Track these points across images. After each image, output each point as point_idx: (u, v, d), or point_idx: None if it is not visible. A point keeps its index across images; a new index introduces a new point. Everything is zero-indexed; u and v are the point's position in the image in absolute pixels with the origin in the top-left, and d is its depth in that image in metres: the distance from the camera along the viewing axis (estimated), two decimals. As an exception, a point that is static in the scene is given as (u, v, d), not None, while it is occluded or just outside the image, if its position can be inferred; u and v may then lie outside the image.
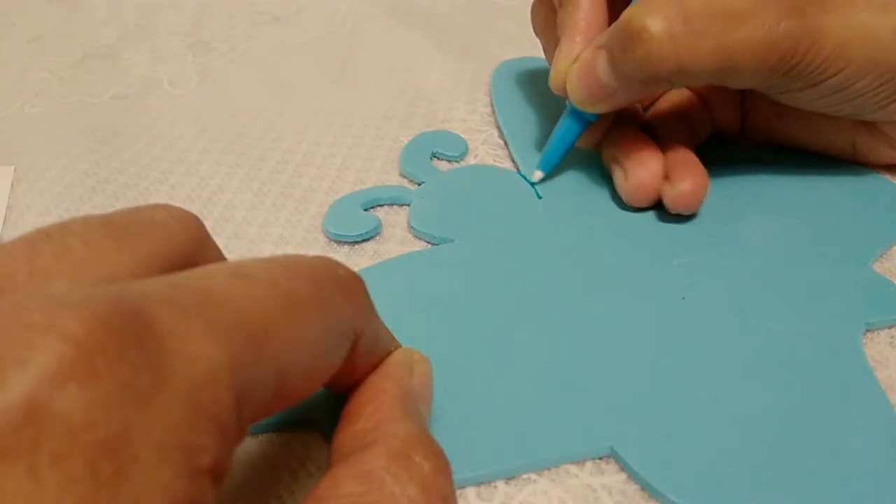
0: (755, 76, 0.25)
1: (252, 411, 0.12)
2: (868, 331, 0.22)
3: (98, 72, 0.44)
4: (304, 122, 0.37)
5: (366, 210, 0.29)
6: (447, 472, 0.15)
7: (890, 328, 0.23)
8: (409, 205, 0.29)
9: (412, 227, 0.28)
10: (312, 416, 0.20)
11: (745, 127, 0.31)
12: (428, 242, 0.27)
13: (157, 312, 0.11)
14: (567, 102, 0.28)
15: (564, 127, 0.29)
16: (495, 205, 0.28)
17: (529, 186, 0.29)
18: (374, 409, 0.16)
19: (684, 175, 0.26)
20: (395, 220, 0.29)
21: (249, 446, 0.20)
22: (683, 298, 0.23)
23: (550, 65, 0.30)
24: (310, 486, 0.19)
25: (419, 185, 0.30)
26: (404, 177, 0.31)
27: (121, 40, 0.48)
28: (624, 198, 0.27)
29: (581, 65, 0.27)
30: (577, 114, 0.28)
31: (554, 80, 0.28)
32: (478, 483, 0.19)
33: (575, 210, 0.28)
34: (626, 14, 0.24)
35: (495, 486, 0.19)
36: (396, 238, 0.28)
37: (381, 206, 0.29)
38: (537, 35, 0.33)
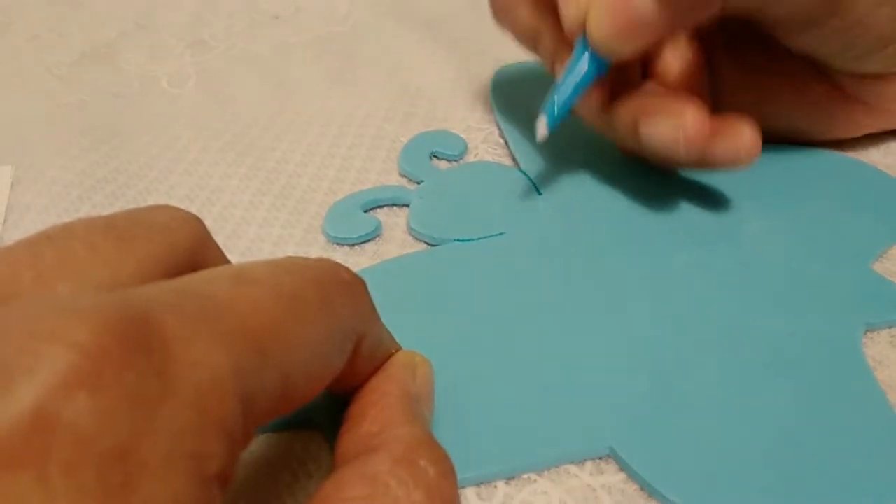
0: None
1: (257, 416, 0.13)
2: (868, 331, 0.22)
3: (97, 71, 0.44)
4: (304, 121, 0.37)
5: (365, 211, 0.29)
6: (452, 477, 0.15)
7: (890, 328, 0.23)
8: (408, 205, 0.29)
9: (412, 228, 0.28)
10: (313, 417, 0.20)
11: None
12: (428, 244, 0.27)
13: (164, 319, 0.11)
14: (578, 45, 0.25)
15: (577, 70, 0.25)
16: (495, 203, 0.28)
17: (530, 183, 0.29)
18: (377, 413, 0.16)
19: (739, 122, 0.24)
20: (395, 222, 0.29)
21: (249, 446, 0.20)
22: (683, 298, 0.24)
23: (531, 50, 0.28)
24: (310, 487, 0.19)
25: (419, 184, 0.30)
26: (404, 176, 0.31)
27: (120, 39, 0.48)
28: (682, 145, 0.24)
29: None
30: (591, 57, 0.25)
31: (571, 20, 0.24)
32: (478, 483, 0.19)
33: (575, 208, 0.28)
34: None
35: (495, 486, 0.19)
36: (397, 239, 0.28)
37: (380, 206, 0.29)
38: (504, 19, 0.30)
